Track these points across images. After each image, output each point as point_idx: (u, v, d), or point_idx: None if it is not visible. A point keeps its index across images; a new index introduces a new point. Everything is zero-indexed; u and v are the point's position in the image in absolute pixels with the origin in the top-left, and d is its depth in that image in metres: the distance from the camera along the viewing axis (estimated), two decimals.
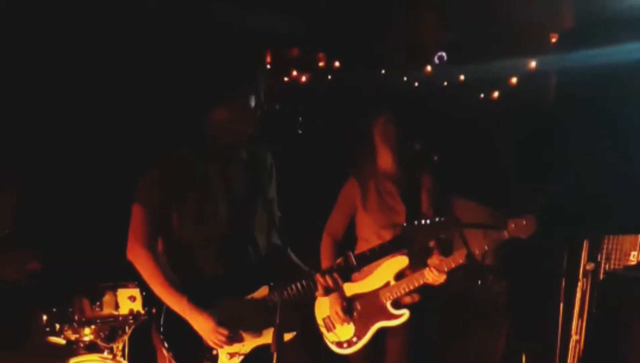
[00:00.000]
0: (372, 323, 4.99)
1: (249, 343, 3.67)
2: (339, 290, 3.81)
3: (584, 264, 5.83)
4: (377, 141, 5.14)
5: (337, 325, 5.07)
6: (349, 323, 5.04)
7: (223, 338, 3.59)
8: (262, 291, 3.69)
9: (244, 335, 3.67)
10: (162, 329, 3.65)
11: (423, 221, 3.72)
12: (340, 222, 5.27)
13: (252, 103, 3.69)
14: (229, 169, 3.78)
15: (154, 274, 3.64)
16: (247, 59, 3.84)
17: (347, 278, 3.88)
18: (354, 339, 5.04)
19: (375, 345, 5.09)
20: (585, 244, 5.85)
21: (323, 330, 5.11)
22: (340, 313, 5.01)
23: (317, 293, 3.73)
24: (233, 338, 3.62)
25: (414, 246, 4.59)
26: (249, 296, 3.70)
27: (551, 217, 5.10)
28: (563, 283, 6.02)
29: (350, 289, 5.03)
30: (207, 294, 3.64)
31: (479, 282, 6.47)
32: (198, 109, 3.74)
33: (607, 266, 5.87)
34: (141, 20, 6.06)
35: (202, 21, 6.20)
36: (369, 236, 5.09)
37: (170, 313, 3.61)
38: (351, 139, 5.81)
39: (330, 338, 5.11)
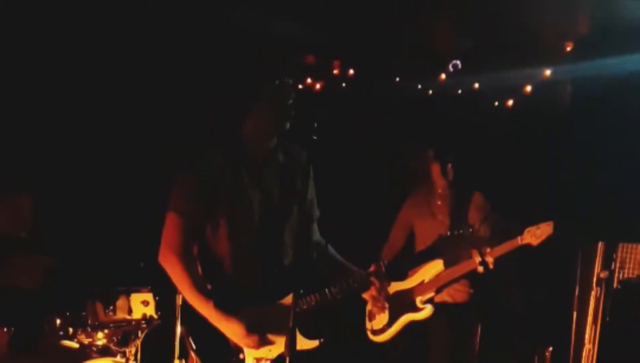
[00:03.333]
0: (401, 315, 5.60)
1: (276, 349, 3.66)
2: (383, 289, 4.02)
3: (598, 272, 5.81)
4: (434, 172, 5.82)
5: (377, 315, 5.68)
6: (385, 314, 5.63)
7: (255, 342, 3.60)
8: (290, 298, 3.67)
9: (271, 341, 3.67)
10: (191, 333, 3.67)
11: (453, 234, 4.29)
12: (398, 238, 6.01)
13: (283, 106, 3.69)
14: (265, 174, 3.76)
15: (184, 281, 3.62)
16: (277, 63, 3.85)
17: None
18: (386, 327, 5.65)
19: (415, 345, 5.68)
20: (600, 252, 5.83)
21: (367, 319, 5.75)
22: (378, 304, 5.37)
23: (368, 292, 3.93)
24: (263, 341, 3.63)
25: (443, 256, 5.42)
26: (277, 303, 3.69)
27: (565, 225, 5.10)
28: (577, 292, 6.00)
29: (394, 286, 5.51)
30: (237, 300, 3.63)
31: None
32: (231, 113, 3.74)
33: (621, 274, 5.84)
34: (168, 26, 6.10)
35: (215, 26, 6.23)
36: (422, 247, 5.77)
37: (199, 317, 3.61)
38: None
39: (367, 327, 5.75)
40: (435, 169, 5.78)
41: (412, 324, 5.61)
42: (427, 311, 5.52)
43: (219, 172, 3.67)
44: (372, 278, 3.82)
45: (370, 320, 5.73)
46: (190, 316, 3.66)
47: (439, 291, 5.55)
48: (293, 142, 3.83)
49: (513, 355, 6.44)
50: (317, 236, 3.96)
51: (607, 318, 5.73)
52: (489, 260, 5.26)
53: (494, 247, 5.28)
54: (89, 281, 5.39)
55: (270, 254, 3.74)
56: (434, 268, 5.51)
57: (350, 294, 3.85)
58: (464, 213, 5.68)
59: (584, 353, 5.77)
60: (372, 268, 3.85)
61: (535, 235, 5.13)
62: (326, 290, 3.74)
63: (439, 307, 5.55)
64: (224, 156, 3.71)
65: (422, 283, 5.57)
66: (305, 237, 3.78)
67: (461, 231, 4.21)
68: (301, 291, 3.59)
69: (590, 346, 5.74)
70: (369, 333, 5.76)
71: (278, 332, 3.65)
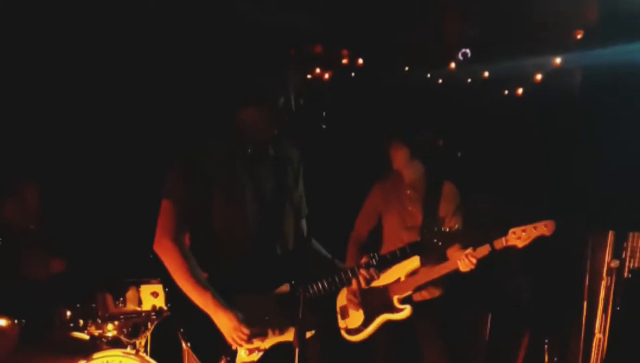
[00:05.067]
0: (378, 315, 5.34)
1: (269, 339, 3.68)
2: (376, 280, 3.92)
3: (608, 261, 5.78)
4: (394, 157, 5.53)
5: (351, 313, 5.41)
6: (360, 312, 5.38)
7: (244, 337, 3.58)
8: (284, 289, 3.70)
9: (264, 331, 3.67)
10: (182, 322, 3.66)
11: (440, 230, 4.14)
12: (364, 226, 5.70)
13: (281, 105, 3.70)
14: (258, 167, 3.79)
15: (180, 268, 3.63)
16: (279, 61, 3.85)
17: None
18: (361, 327, 5.38)
19: (402, 349, 5.41)
20: (610, 241, 5.80)
21: (339, 317, 5.45)
22: (353, 301, 5.36)
23: (354, 285, 3.83)
24: (254, 337, 3.62)
25: (431, 252, 5.06)
26: (271, 294, 3.71)
27: (575, 214, 5.08)
28: (587, 281, 5.98)
29: None
30: (231, 290, 3.64)
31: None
32: (227, 106, 3.75)
33: (631, 263, 5.81)
34: (169, 18, 6.09)
35: (226, 20, 6.22)
36: (391, 237, 5.52)
37: (191, 306, 3.61)
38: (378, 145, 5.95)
39: (341, 325, 5.45)
40: (398, 156, 5.51)
41: (392, 323, 5.35)
42: (406, 312, 5.26)
43: (214, 161, 3.70)
44: (362, 270, 3.79)
45: (343, 317, 5.47)
46: (182, 305, 3.64)
47: (417, 290, 5.31)
48: (300, 133, 3.84)
49: (522, 345, 6.43)
50: (304, 231, 3.94)
51: (618, 308, 5.71)
52: (472, 260, 5.04)
53: (477, 248, 5.05)
54: (98, 272, 5.40)
55: (264, 244, 3.76)
56: (409, 265, 5.19)
57: (341, 287, 3.85)
58: (435, 204, 5.46)
59: (594, 343, 5.75)
60: (363, 260, 3.83)
61: (520, 237, 4.92)
62: (320, 282, 3.74)
63: (420, 306, 5.32)
64: (219, 146, 3.74)
65: (398, 281, 5.27)
66: (295, 233, 3.80)
67: (447, 229, 4.10)
68: (293, 282, 3.62)
69: (601, 335, 5.72)
70: (342, 332, 5.47)
71: (270, 322, 3.66)
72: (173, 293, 3.66)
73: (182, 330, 3.64)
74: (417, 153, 5.48)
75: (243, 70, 3.76)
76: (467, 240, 5.04)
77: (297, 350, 3.31)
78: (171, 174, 3.70)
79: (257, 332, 3.63)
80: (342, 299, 5.47)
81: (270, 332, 3.67)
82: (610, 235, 5.86)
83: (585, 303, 5.95)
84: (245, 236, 3.71)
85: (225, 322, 3.58)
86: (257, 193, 3.75)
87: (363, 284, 3.79)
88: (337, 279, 3.77)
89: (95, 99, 6.15)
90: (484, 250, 5.05)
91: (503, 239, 4.99)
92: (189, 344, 3.62)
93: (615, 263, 5.73)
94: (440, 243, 4.02)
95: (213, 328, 3.60)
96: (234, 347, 3.62)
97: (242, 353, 3.65)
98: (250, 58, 3.85)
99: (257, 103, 3.67)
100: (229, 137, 3.75)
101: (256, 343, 3.64)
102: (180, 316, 3.68)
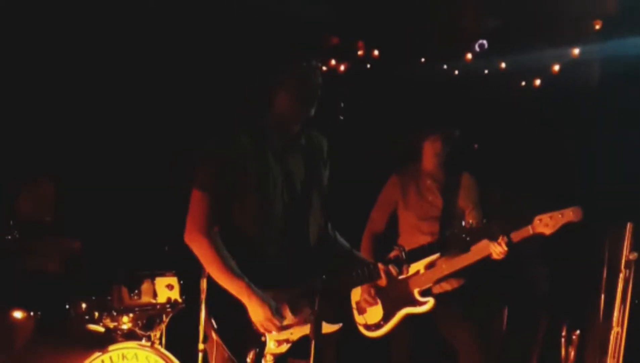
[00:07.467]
0: (399, 309, 5.30)
1: (298, 331, 3.69)
2: (397, 277, 3.88)
3: (627, 254, 5.72)
4: (427, 150, 5.49)
5: (368, 308, 5.37)
6: (378, 307, 5.33)
7: (275, 327, 3.61)
8: (312, 282, 3.67)
9: (292, 325, 3.69)
10: (212, 313, 3.69)
11: (468, 227, 4.04)
12: (381, 217, 5.64)
13: (314, 79, 3.71)
14: (289, 157, 3.79)
15: (213, 259, 3.64)
16: (304, 46, 3.86)
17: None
18: (381, 322, 5.36)
19: (419, 340, 5.41)
20: (628, 233, 5.75)
21: (355, 313, 5.42)
22: (368, 298, 5.27)
23: (379, 281, 3.84)
24: (284, 328, 3.64)
25: (459, 249, 5.02)
26: (299, 286, 3.70)
27: (594, 205, 5.04)
28: (605, 273, 5.93)
29: None
30: (260, 281, 3.64)
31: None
32: (259, 95, 3.75)
33: None
34: (194, 7, 6.09)
35: (242, 8, 6.22)
36: (409, 229, 5.49)
37: (222, 297, 3.63)
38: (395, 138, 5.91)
39: (359, 321, 5.43)
40: (429, 147, 5.47)
41: (413, 317, 5.30)
42: (429, 304, 5.20)
43: (244, 151, 3.70)
44: (391, 266, 3.78)
45: (361, 313, 5.42)
46: (214, 296, 3.69)
47: (437, 282, 5.25)
48: (317, 124, 3.83)
49: (539, 337, 6.40)
50: (327, 224, 3.90)
51: (636, 301, 5.68)
52: (505, 248, 4.95)
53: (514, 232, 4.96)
54: (113, 265, 5.41)
55: (294, 236, 3.77)
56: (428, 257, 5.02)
57: (370, 280, 3.84)
58: (455, 194, 5.45)
59: (612, 336, 5.70)
60: (392, 254, 3.83)
61: (548, 224, 4.87)
62: (347, 274, 3.74)
63: (440, 297, 5.27)
64: (250, 137, 3.73)
65: (417, 273, 5.23)
66: (322, 222, 3.78)
67: (474, 225, 4.05)
68: (323, 275, 3.55)
69: (619, 329, 5.67)
70: (361, 328, 5.45)
71: (301, 314, 3.68)
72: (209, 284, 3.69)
73: (212, 320, 3.64)
74: (449, 146, 5.45)
75: (270, 57, 3.77)
76: (495, 233, 4.78)
77: (312, 342, 3.32)
78: (202, 165, 3.71)
79: (288, 324, 3.65)
80: (357, 295, 5.43)
81: (298, 324, 3.67)
82: (629, 227, 5.79)
83: (602, 296, 5.91)
84: (276, 229, 3.71)
85: (258, 310, 3.59)
86: (288, 184, 3.76)
87: (384, 280, 3.78)
88: (365, 272, 3.76)
89: (111, 87, 6.14)
90: (524, 232, 4.97)
91: (529, 227, 4.94)
92: (218, 334, 3.63)
93: (633, 256, 5.67)
94: (468, 239, 4.00)
95: (243, 320, 3.61)
96: (263, 338, 3.64)
97: (270, 345, 3.66)
98: (276, 45, 3.86)
99: (290, 82, 3.68)
100: (259, 126, 3.75)
101: (285, 334, 3.66)
102: (212, 307, 3.70)
